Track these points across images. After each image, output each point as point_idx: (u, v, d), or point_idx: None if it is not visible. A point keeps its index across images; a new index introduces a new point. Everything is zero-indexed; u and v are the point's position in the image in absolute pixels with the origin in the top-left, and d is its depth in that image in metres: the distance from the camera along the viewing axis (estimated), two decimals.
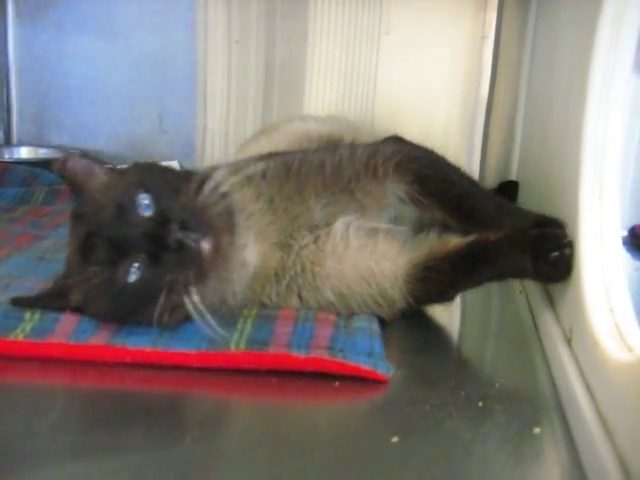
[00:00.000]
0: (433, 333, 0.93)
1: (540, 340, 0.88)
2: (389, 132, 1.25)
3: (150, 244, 0.76)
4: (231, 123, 1.68)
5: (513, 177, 1.55)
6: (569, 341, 0.80)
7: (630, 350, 0.66)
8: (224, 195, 0.82)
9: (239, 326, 0.81)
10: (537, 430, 0.68)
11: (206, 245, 0.77)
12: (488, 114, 1.59)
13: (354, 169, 0.92)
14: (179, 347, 0.76)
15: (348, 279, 0.89)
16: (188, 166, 1.65)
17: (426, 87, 1.61)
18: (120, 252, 0.77)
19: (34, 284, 0.92)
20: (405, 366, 0.80)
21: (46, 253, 1.07)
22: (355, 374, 0.75)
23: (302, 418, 0.72)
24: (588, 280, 0.77)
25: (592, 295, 0.76)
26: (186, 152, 1.70)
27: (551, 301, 0.90)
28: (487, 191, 1.03)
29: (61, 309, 0.81)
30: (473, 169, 1.60)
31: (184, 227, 0.76)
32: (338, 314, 0.88)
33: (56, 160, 0.86)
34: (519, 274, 0.92)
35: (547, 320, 0.87)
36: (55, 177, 1.52)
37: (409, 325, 0.92)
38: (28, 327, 0.79)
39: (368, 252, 0.90)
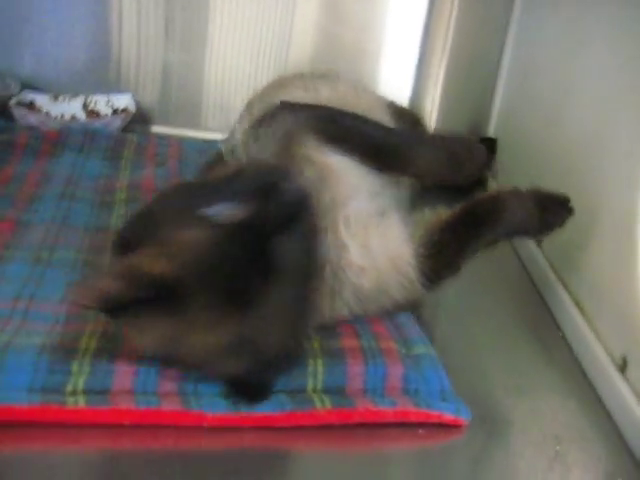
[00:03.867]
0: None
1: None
2: None
3: None
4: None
5: (490, 133, 1.53)
6: (622, 369, 0.84)
7: None
8: None
9: (310, 369, 0.77)
10: None
11: None
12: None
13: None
14: (263, 409, 0.71)
15: (378, 264, 0.84)
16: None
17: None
18: None
19: (56, 307, 0.81)
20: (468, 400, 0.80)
21: (41, 252, 0.93)
22: (438, 421, 0.75)
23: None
24: None
25: None
26: None
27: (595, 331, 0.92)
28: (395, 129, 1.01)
29: None
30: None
31: None
32: (393, 340, 0.85)
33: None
34: (524, 226, 0.92)
35: (592, 351, 0.90)
36: None
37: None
38: (81, 383, 0.70)
39: (384, 235, 0.86)
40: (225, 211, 0.66)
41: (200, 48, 1.52)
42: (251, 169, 0.73)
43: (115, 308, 0.64)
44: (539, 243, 1.16)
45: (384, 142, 0.92)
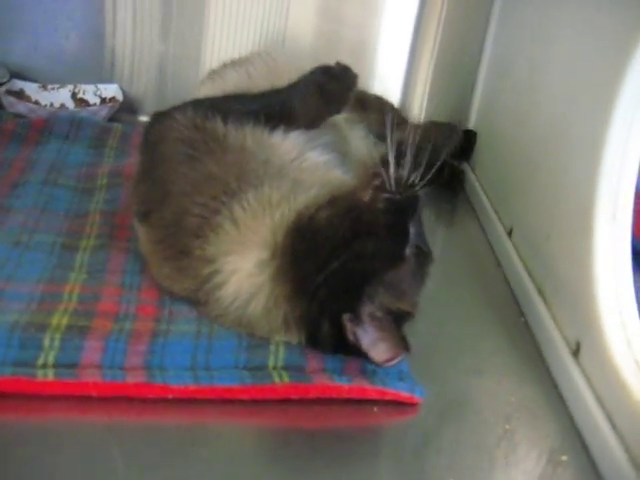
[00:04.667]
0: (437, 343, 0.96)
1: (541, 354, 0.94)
2: None
3: None
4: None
5: (470, 126, 1.56)
6: (575, 354, 0.88)
7: None
8: None
9: (272, 347, 0.81)
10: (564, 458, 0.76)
11: None
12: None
13: None
14: (222, 382, 0.74)
15: None
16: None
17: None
18: None
19: (31, 287, 0.85)
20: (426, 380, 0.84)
21: (21, 235, 0.96)
22: (394, 400, 0.78)
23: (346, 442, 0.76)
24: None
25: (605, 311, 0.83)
26: None
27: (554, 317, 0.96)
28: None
29: None
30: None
31: None
32: None
33: None
34: None
35: (550, 336, 0.93)
36: None
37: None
38: (51, 358, 0.73)
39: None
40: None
41: (196, 40, 1.54)
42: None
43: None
44: (510, 233, 1.20)
45: (265, 104, 0.97)
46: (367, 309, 0.77)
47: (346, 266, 0.77)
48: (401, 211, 0.81)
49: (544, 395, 0.86)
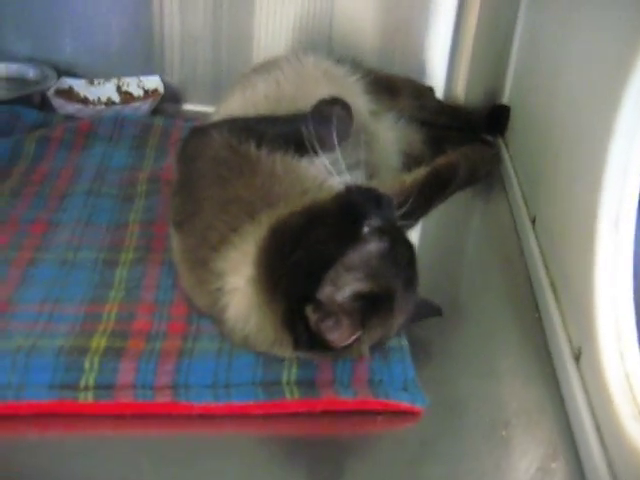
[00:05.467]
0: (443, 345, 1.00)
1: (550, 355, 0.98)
2: None
3: None
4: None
5: (505, 101, 1.55)
6: (577, 358, 0.92)
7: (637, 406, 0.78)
8: None
9: (286, 363, 0.89)
10: (554, 465, 0.82)
11: None
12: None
13: None
14: (239, 399, 0.84)
15: None
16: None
17: None
18: None
19: (76, 308, 0.95)
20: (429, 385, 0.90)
21: (67, 253, 1.07)
22: (396, 410, 0.86)
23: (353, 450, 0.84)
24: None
25: (602, 324, 0.86)
26: None
27: (562, 315, 0.99)
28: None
29: None
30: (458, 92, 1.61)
31: None
32: None
33: None
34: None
35: (557, 334, 0.97)
36: (37, 113, 1.45)
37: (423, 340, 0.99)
38: (91, 380, 0.84)
39: None
40: (376, 223, 0.84)
41: (247, 25, 1.58)
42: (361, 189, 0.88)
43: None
44: (533, 221, 1.21)
45: (293, 129, 1.01)
46: (332, 295, 0.79)
47: (304, 255, 0.81)
48: (353, 192, 0.86)
49: (547, 399, 0.91)
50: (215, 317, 0.92)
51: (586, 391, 0.86)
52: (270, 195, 0.92)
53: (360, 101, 1.26)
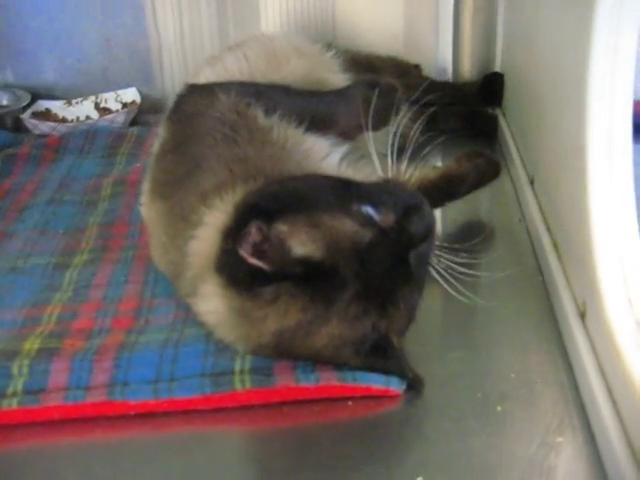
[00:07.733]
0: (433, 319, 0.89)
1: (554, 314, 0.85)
2: None
3: None
4: (187, 40, 1.53)
5: (497, 69, 1.44)
6: (582, 316, 0.78)
7: None
8: None
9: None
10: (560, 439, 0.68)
11: None
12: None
13: None
14: (182, 394, 0.72)
15: None
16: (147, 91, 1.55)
17: None
18: None
19: (15, 313, 0.87)
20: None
21: (17, 260, 0.99)
22: (367, 395, 0.73)
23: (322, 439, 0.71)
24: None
25: (605, 270, 0.73)
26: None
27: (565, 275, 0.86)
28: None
29: None
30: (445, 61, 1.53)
31: None
32: None
33: None
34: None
35: (561, 294, 0.83)
36: (7, 134, 1.40)
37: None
38: (19, 386, 0.74)
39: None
40: (375, 215, 0.73)
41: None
42: (397, 185, 0.81)
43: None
44: (532, 182, 1.09)
45: (311, 105, 0.96)
46: (283, 237, 0.70)
47: (287, 187, 0.77)
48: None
49: (550, 368, 0.77)
50: (176, 273, 0.85)
51: (594, 351, 0.73)
52: (277, 164, 0.86)
53: (337, 79, 1.16)
